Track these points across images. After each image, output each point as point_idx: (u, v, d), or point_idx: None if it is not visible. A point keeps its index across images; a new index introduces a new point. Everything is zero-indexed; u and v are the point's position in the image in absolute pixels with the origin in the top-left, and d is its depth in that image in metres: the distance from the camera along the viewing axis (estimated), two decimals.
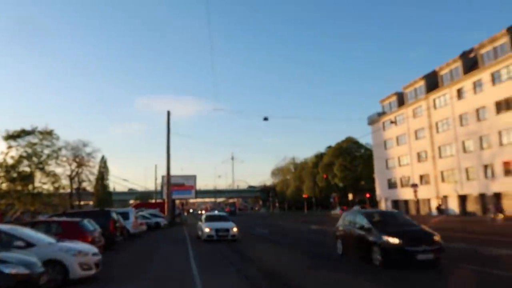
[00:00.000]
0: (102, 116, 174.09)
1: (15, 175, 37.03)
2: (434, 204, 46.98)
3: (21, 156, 38.65)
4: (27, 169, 38.51)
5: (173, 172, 41.17)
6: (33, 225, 12.64)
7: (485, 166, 39.72)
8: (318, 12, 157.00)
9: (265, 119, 38.71)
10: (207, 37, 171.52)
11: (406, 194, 52.23)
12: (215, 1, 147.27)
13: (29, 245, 9.27)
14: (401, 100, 55.33)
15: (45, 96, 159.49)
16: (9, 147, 38.33)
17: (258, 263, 12.72)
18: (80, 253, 9.66)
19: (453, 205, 44.34)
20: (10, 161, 37.53)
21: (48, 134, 41.27)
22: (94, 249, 10.46)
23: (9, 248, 8.66)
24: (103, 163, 76.98)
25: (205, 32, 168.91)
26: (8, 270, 7.32)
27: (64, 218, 14.61)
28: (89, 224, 13.85)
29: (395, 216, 13.02)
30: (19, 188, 36.75)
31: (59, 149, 42.83)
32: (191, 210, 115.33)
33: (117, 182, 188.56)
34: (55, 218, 15.15)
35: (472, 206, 41.49)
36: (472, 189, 41.35)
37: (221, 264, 12.79)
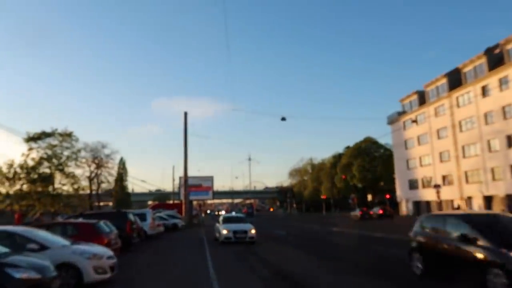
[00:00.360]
0: (120, 118, 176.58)
1: (35, 176, 37.60)
2: (458, 205, 45.51)
3: (41, 158, 39.27)
4: (47, 171, 39.07)
5: (190, 173, 41.13)
6: (49, 227, 12.46)
7: None
8: (335, 11, 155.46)
9: (283, 119, 38.20)
10: (223, 38, 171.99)
11: (428, 195, 50.78)
12: (231, 1, 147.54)
13: (43, 247, 9.03)
14: (422, 99, 53.91)
15: (65, 98, 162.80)
16: (30, 149, 38.99)
17: (277, 267, 12.23)
18: (95, 256, 9.38)
19: (478, 207, 42.80)
20: (30, 163, 38.18)
21: (67, 136, 41.84)
22: (109, 252, 10.17)
23: (22, 250, 8.41)
24: (122, 165, 77.95)
25: (221, 32, 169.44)
26: (19, 274, 7.04)
27: (80, 220, 14.44)
28: (105, 226, 13.61)
29: (507, 220, 8.83)
30: (39, 189, 37.33)
31: (79, 150, 43.44)
32: (208, 211, 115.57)
33: (135, 183, 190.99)
34: (71, 220, 15.01)
35: (499, 208, 39.86)
36: (498, 190, 39.80)
37: (239, 268, 12.36)
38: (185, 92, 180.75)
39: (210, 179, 50.56)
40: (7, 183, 36.64)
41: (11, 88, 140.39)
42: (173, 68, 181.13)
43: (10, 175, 36.74)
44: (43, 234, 9.84)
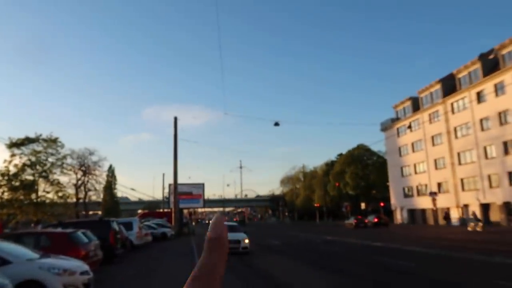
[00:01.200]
0: (112, 127, 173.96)
1: (17, 184, 35.91)
2: (455, 213, 44.72)
3: (24, 165, 37.60)
4: (30, 178, 37.39)
5: (181, 180, 39.80)
6: (18, 237, 11.11)
7: (510, 173, 37.49)
8: (329, 16, 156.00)
9: (276, 124, 37.22)
10: (215, 44, 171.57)
11: (423, 203, 49.97)
12: (224, 6, 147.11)
13: (3, 262, 7.73)
14: (416, 105, 53.39)
15: (54, 106, 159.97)
16: (13, 155, 37.34)
17: (276, 282, 11.02)
18: (66, 271, 8.09)
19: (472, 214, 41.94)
20: (13, 170, 36.49)
21: (52, 142, 40.25)
22: (84, 266, 8.87)
23: None
24: (111, 172, 76.04)
25: (213, 39, 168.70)
26: None
27: (54, 230, 13.07)
28: (83, 236, 12.26)
29: None
30: (21, 197, 35.61)
31: (64, 157, 41.82)
32: (198, 220, 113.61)
33: (126, 192, 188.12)
34: (44, 230, 13.65)
35: (496, 216, 39.19)
36: (496, 198, 39.07)
37: (233, 282, 11.10)
38: (177, 99, 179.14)
39: (201, 186, 49.11)
40: None
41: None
42: (165, 76, 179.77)
43: None
44: (6, 247, 8.53)
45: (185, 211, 52.43)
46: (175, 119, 37.95)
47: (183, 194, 44.07)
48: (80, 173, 49.88)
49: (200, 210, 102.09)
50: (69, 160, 44.72)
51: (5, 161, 36.76)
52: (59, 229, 13.91)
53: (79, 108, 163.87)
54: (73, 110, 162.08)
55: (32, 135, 38.76)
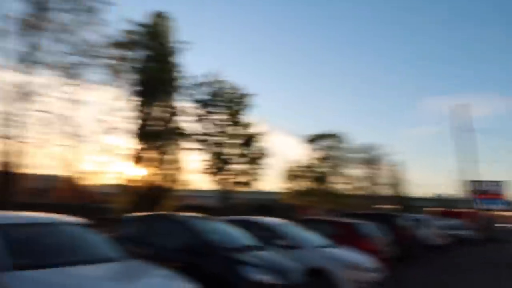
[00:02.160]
0: (386, 121, 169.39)
1: (314, 175, 40.61)
2: None
3: (319, 158, 42.11)
4: (324, 170, 41.57)
5: (477, 177, 33.66)
6: (305, 222, 11.14)
7: None
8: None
9: None
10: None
11: None
12: None
13: (291, 246, 7.46)
14: None
15: (339, 102, 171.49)
16: (314, 149, 42.64)
17: None
18: (354, 265, 7.05)
19: None
20: (312, 163, 41.65)
21: (339, 137, 43.48)
22: (373, 262, 7.63)
23: (268, 246, 7.00)
24: (399, 167, 74.39)
25: None
26: (255, 276, 5.52)
27: (340, 219, 12.59)
28: (370, 228, 11.18)
29: None
30: (316, 187, 40.22)
31: (350, 151, 44.45)
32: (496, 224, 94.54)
33: (412, 187, 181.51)
34: (327, 218, 13.47)
35: None
36: None
37: None
38: (466, 88, 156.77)
39: (500, 184, 40.80)
40: (295, 181, 41.05)
41: (292, 91, 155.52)
42: (445, 63, 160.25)
43: (297, 173, 41.06)
44: (296, 230, 8.37)
45: (485, 212, 44.23)
46: (465, 108, 32.54)
47: (481, 192, 38.11)
48: (365, 167, 51.41)
49: (503, 213, 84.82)
50: (354, 155, 46.99)
51: (307, 155, 42.19)
52: (345, 219, 13.47)
53: (350, 106, 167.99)
54: (350, 108, 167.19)
55: (326, 131, 43.08)
